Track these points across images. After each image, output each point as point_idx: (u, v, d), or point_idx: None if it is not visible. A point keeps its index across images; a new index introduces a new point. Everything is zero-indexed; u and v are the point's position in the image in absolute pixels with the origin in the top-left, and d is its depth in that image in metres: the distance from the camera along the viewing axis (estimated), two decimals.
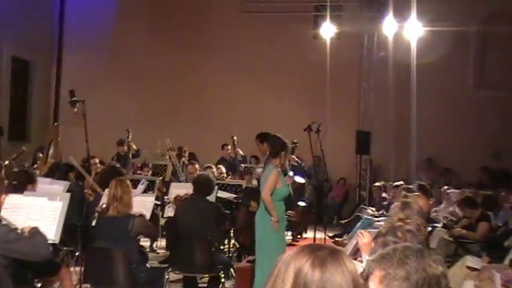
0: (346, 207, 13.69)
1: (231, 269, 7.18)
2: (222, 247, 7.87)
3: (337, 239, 10.15)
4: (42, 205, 4.68)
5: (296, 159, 11.06)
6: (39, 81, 14.84)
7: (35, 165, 9.95)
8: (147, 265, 6.05)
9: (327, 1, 12.67)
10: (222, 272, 6.06)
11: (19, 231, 3.91)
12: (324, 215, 12.72)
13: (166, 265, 6.29)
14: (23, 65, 14.47)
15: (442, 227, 8.00)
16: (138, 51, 14.60)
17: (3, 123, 12.76)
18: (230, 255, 8.10)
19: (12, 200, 4.68)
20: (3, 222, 3.90)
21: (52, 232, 4.58)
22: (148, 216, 5.74)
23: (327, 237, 9.49)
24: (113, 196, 5.01)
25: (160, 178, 9.49)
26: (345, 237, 9.70)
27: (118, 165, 7.27)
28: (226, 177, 9.88)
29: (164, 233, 8.43)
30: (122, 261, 4.87)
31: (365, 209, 10.68)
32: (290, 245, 8.75)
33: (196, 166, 9.67)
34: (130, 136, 10.93)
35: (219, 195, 7.40)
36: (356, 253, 4.29)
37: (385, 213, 9.13)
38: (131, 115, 13.72)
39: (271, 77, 14.31)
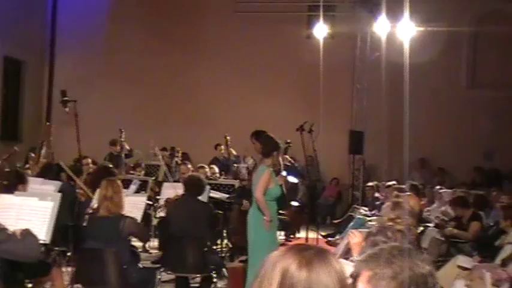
0: (339, 207, 13.71)
1: (224, 269, 7.18)
2: (214, 247, 7.87)
3: (329, 238, 10.17)
4: (32, 205, 4.67)
5: (289, 159, 11.07)
6: (31, 81, 14.79)
7: (27, 165, 9.91)
8: (140, 265, 6.05)
9: (320, 1, 12.67)
10: (214, 272, 6.05)
11: (10, 232, 3.89)
12: (317, 215, 12.76)
13: (158, 265, 6.29)
14: (15, 65, 14.42)
15: (434, 226, 8.02)
16: (131, 51, 14.57)
17: None
18: (223, 255, 8.11)
19: (3, 200, 4.66)
20: None
21: (43, 232, 4.56)
22: (140, 216, 5.73)
23: (319, 237, 9.50)
24: (103, 196, 5.01)
25: (153, 178, 9.49)
26: (337, 237, 9.72)
27: (110, 166, 7.25)
28: (219, 177, 9.88)
29: (157, 232, 8.43)
30: (113, 262, 4.86)
31: (358, 208, 10.70)
32: (283, 244, 8.75)
33: (189, 166, 9.67)
34: (123, 136, 10.90)
35: (211, 195, 7.40)
36: (347, 253, 4.29)
37: (377, 213, 9.15)
38: (124, 115, 13.68)
39: (264, 77, 14.31)
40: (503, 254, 5.73)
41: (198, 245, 5.89)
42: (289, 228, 10.61)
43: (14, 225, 4.13)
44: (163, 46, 14.47)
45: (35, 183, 6.37)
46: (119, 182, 5.24)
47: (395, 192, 6.22)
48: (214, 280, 6.08)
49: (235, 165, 11.16)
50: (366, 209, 10.54)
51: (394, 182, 9.71)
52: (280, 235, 10.51)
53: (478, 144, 13.67)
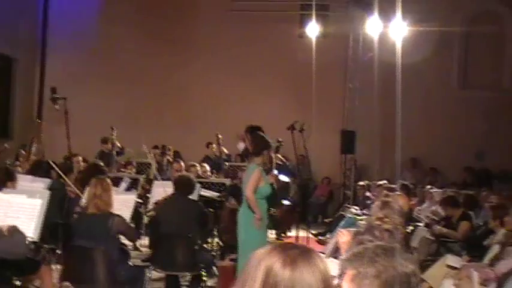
0: (330, 206, 13.74)
1: (214, 268, 7.18)
2: (205, 245, 7.87)
3: (320, 237, 10.20)
4: (21, 202, 4.66)
5: (281, 158, 11.08)
6: (22, 78, 14.73)
7: (17, 162, 9.87)
8: (130, 263, 6.03)
9: (313, 0, 12.69)
10: (204, 270, 6.05)
11: None
12: (308, 214, 12.78)
13: (148, 263, 6.28)
14: (6, 62, 14.35)
15: (424, 226, 8.05)
16: (122, 49, 14.54)
17: None
18: (213, 253, 8.10)
19: None
20: None
21: (31, 229, 4.56)
22: (129, 215, 5.73)
23: (310, 236, 9.52)
24: (93, 194, 5.00)
25: (144, 176, 9.47)
26: (328, 235, 9.74)
27: (101, 163, 7.23)
28: (210, 176, 9.88)
29: (148, 231, 8.40)
30: (101, 260, 4.85)
31: (349, 208, 10.73)
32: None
33: (182, 164, 9.65)
34: (114, 134, 10.88)
35: (202, 193, 7.40)
36: (336, 251, 4.31)
37: (368, 212, 9.18)
38: (116, 113, 13.65)
39: (256, 76, 14.31)
40: (491, 254, 5.77)
41: (188, 243, 5.89)
42: (280, 226, 10.62)
43: (2, 222, 4.11)
44: (155, 45, 14.44)
45: (24, 181, 6.35)
46: (109, 180, 5.23)
47: (385, 192, 6.24)
48: (204, 278, 6.07)
49: (226, 163, 11.16)
50: (357, 208, 10.57)
51: (385, 182, 9.75)
52: (271, 234, 10.54)
53: (468, 145, 13.73)
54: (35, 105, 14.82)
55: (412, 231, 7.83)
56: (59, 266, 5.76)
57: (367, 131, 13.50)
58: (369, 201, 10.22)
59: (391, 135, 13.08)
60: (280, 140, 10.24)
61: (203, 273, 6.03)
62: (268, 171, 6.48)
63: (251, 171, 5.94)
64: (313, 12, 12.84)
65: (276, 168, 7.91)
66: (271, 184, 6.25)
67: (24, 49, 14.63)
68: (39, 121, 9.94)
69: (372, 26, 12.50)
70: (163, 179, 8.79)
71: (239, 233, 6.08)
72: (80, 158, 9.76)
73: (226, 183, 8.71)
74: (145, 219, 8.21)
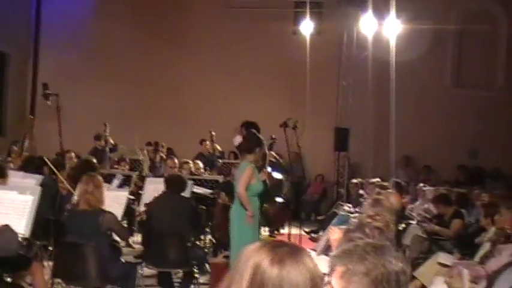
0: (324, 204, 13.76)
1: (206, 265, 7.18)
2: (198, 242, 7.87)
3: (313, 235, 10.21)
4: (12, 199, 4.64)
5: (274, 155, 11.08)
6: (15, 74, 14.66)
7: (9, 158, 9.83)
8: (122, 259, 6.02)
9: None
10: (196, 267, 6.05)
11: None
12: (302, 211, 12.79)
13: (140, 260, 6.27)
14: None
15: (417, 224, 8.07)
16: (116, 46, 14.48)
17: None
18: (206, 250, 8.10)
19: None
20: None
21: (22, 226, 4.54)
22: (121, 211, 5.72)
23: (303, 233, 9.53)
24: (84, 191, 4.98)
25: (137, 173, 9.46)
26: (320, 233, 9.74)
27: (92, 160, 7.21)
28: (203, 173, 9.88)
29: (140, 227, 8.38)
30: (92, 256, 4.85)
31: (342, 205, 10.75)
32: None
33: (175, 160, 9.64)
34: (107, 130, 10.86)
35: (194, 190, 7.39)
36: (328, 249, 4.31)
37: (361, 210, 9.19)
38: (109, 110, 13.61)
39: (250, 73, 14.29)
40: (482, 252, 5.79)
41: (180, 240, 5.89)
42: (274, 224, 10.63)
43: None
44: (149, 42, 14.39)
45: (16, 177, 6.33)
46: (100, 177, 5.22)
47: (377, 189, 6.26)
48: (196, 275, 6.07)
49: (220, 160, 11.16)
50: (350, 205, 10.59)
51: (378, 179, 9.77)
52: (265, 231, 10.55)
53: (462, 143, 13.77)
54: (27, 101, 14.74)
55: (405, 229, 7.85)
56: (51, 263, 5.74)
57: (361, 128, 13.53)
58: (362, 199, 10.24)
59: (384, 133, 13.17)
60: (273, 137, 10.25)
61: (195, 270, 6.03)
62: (260, 168, 6.49)
63: (243, 169, 5.96)
64: (307, 10, 12.85)
65: (270, 166, 7.94)
66: (264, 181, 6.27)
67: (17, 45, 14.55)
68: (32, 117, 9.88)
69: (366, 23, 12.52)
70: (156, 176, 8.79)
71: (231, 230, 6.09)
72: (73, 155, 9.74)
73: (219, 180, 8.72)
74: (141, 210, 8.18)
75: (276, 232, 10.77)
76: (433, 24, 13.03)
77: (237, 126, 7.72)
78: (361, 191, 10.98)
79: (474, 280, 4.97)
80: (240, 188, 5.92)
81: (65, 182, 6.31)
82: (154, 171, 10.35)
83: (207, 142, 11.93)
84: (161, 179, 7.31)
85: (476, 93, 13.97)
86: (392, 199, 4.96)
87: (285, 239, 8.22)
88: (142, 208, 6.97)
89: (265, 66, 14.19)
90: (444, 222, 7.59)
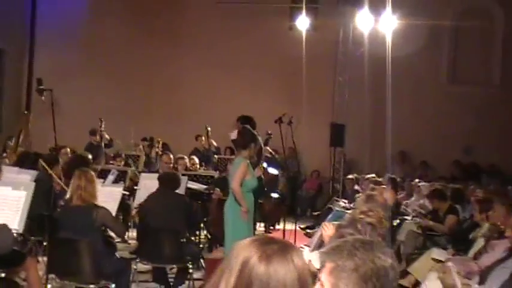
0: (319, 200, 13.77)
1: (201, 260, 7.19)
2: (193, 238, 7.88)
3: (308, 230, 10.22)
4: (5, 194, 4.64)
5: (270, 150, 11.08)
6: (11, 70, 14.62)
7: (5, 154, 9.81)
8: (116, 255, 6.02)
9: None
10: (190, 263, 6.06)
11: None
12: (297, 207, 12.81)
13: (135, 256, 6.27)
14: None
15: (412, 219, 8.09)
16: (111, 42, 14.46)
17: None
18: (201, 246, 8.11)
19: None
20: None
21: (16, 222, 4.54)
22: (116, 207, 5.71)
23: (298, 229, 9.54)
24: (76, 186, 4.98)
25: (133, 168, 9.45)
26: (316, 229, 9.76)
27: (86, 155, 7.20)
28: (199, 168, 9.87)
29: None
30: (86, 252, 4.84)
31: (337, 201, 10.76)
32: None
33: (171, 156, 9.63)
34: (103, 126, 10.84)
35: (189, 186, 7.39)
36: (321, 245, 4.31)
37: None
38: (105, 105, 13.59)
39: (245, 69, 14.28)
40: (476, 248, 5.81)
41: (174, 236, 5.89)
42: (269, 219, 10.65)
43: None
44: (144, 38, 14.37)
45: (11, 172, 6.32)
46: (92, 172, 5.21)
47: (371, 185, 6.28)
48: (191, 271, 6.08)
49: (215, 156, 11.15)
50: (346, 201, 10.60)
51: (373, 175, 9.79)
52: (260, 226, 10.56)
53: (458, 139, 13.80)
54: (23, 97, 14.72)
55: (399, 224, 7.88)
56: (45, 258, 5.74)
57: (357, 124, 13.55)
58: (357, 195, 10.25)
59: (380, 129, 13.20)
60: (269, 132, 10.24)
61: (189, 265, 6.03)
62: (255, 164, 6.49)
63: (238, 164, 5.97)
64: (303, 5, 12.84)
65: (265, 161, 7.93)
66: (259, 177, 6.28)
67: (13, 41, 14.51)
68: (27, 112, 9.85)
69: (362, 19, 12.51)
70: (151, 172, 8.77)
71: (226, 226, 6.10)
72: (68, 150, 9.72)
73: (214, 176, 8.71)
74: (133, 212, 8.18)
75: (271, 228, 10.79)
76: (429, 20, 13.04)
77: (234, 121, 7.73)
78: (356, 187, 11.00)
79: (467, 276, 4.99)
80: (234, 183, 5.92)
81: (57, 179, 6.30)
82: (149, 166, 10.34)
83: (203, 138, 11.92)
84: (156, 175, 7.32)
85: (471, 89, 14.00)
86: (386, 195, 4.97)
87: (280, 234, 8.24)
88: (136, 204, 6.96)
89: (261, 62, 14.18)
90: (439, 217, 7.61)
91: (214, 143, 12.05)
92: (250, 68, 14.25)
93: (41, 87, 6.78)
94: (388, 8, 11.70)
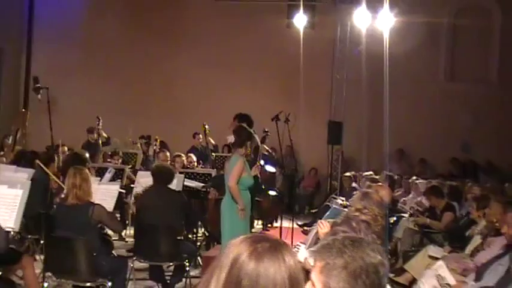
0: (317, 197, 13.79)
1: (198, 258, 7.20)
2: (190, 236, 7.89)
3: (306, 228, 10.23)
4: (2, 193, 4.64)
5: (267, 148, 11.09)
6: (8, 68, 14.62)
7: (2, 153, 9.82)
8: (114, 253, 6.03)
9: None
10: (187, 260, 6.06)
11: None
12: (295, 205, 12.82)
13: (131, 254, 6.28)
14: None
15: (409, 216, 8.10)
16: (109, 40, 14.45)
17: None
18: (199, 244, 8.12)
19: None
20: None
21: (12, 220, 4.54)
22: (112, 205, 5.72)
23: (295, 226, 9.54)
24: (71, 185, 4.98)
25: (130, 166, 9.46)
26: (313, 226, 9.77)
27: (83, 153, 7.21)
28: (196, 166, 9.87)
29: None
30: (82, 250, 4.84)
31: (335, 198, 10.76)
32: None
33: (168, 154, 9.64)
34: (100, 124, 10.85)
35: (186, 183, 7.40)
36: (317, 243, 4.32)
37: None
38: (103, 103, 13.60)
39: (243, 66, 14.28)
40: (472, 245, 5.83)
41: (170, 233, 5.89)
42: (267, 217, 10.65)
43: None
44: (142, 36, 14.36)
45: (8, 171, 6.33)
46: (87, 170, 5.21)
47: (368, 183, 6.28)
48: (188, 269, 6.08)
49: (213, 154, 11.15)
50: (343, 199, 10.60)
51: (370, 173, 9.80)
52: (258, 224, 10.57)
53: (456, 137, 13.81)
54: (21, 95, 14.72)
55: (396, 222, 7.89)
56: (42, 256, 5.75)
57: (355, 122, 13.55)
58: (355, 192, 10.25)
59: (378, 127, 13.17)
60: (266, 130, 10.24)
61: (186, 263, 6.04)
62: (252, 163, 6.50)
63: (234, 162, 5.97)
64: (301, 3, 12.82)
65: (262, 159, 7.94)
66: (255, 176, 6.29)
67: (10, 39, 14.50)
68: (24, 110, 9.86)
69: (360, 17, 12.50)
70: (148, 170, 8.78)
71: (222, 223, 6.11)
72: (66, 148, 9.73)
73: (211, 174, 8.72)
74: (131, 210, 8.20)
75: (269, 225, 10.79)
76: (427, 18, 13.03)
77: (232, 119, 7.75)
78: (354, 184, 10.99)
79: (463, 273, 5.00)
80: (231, 181, 5.93)
81: (54, 177, 6.31)
82: (147, 164, 10.34)
83: (200, 135, 11.92)
84: None
85: (469, 87, 14.00)
86: (382, 192, 4.97)
87: (278, 232, 8.24)
88: (133, 200, 6.98)
89: (258, 59, 14.18)
90: (436, 215, 7.62)
91: (212, 141, 12.05)
92: (248, 66, 14.25)
93: (38, 85, 6.79)
94: (386, 6, 11.67)
